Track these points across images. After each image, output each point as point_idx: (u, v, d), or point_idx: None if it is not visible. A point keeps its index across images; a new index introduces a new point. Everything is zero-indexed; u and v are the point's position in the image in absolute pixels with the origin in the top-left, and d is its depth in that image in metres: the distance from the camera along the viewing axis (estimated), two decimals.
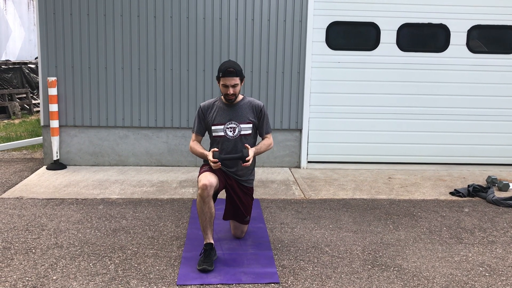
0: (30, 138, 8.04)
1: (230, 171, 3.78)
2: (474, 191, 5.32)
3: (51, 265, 3.47)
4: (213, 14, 6.10)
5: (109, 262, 3.54)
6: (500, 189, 5.54)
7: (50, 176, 5.80)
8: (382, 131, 6.63)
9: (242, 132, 3.75)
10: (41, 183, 5.51)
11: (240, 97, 3.82)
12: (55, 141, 6.09)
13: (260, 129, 3.88)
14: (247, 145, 3.64)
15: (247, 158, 3.54)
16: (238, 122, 3.74)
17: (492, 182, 5.68)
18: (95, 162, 6.33)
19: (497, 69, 6.58)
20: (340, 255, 3.72)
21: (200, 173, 3.65)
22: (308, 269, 3.47)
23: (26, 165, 6.44)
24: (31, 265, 3.47)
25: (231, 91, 3.64)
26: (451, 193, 5.41)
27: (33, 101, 12.29)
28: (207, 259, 3.42)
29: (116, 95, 6.18)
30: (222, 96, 3.79)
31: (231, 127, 3.73)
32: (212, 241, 3.53)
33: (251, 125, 3.78)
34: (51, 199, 4.96)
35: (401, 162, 6.70)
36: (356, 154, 6.66)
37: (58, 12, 5.98)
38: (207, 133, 3.91)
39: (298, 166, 6.48)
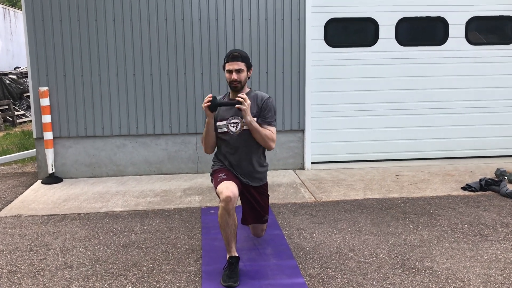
0: (19, 151, 7.72)
1: (243, 179, 3.57)
2: (486, 185, 5.23)
3: None
4: (208, 15, 5.91)
5: (125, 281, 3.32)
6: (510, 182, 5.47)
7: (47, 190, 5.53)
8: (385, 127, 6.52)
9: (246, 127, 3.47)
10: (39, 198, 5.24)
11: (247, 89, 3.58)
12: (49, 153, 5.82)
13: (263, 117, 3.50)
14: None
15: (237, 98, 3.32)
16: (242, 116, 3.45)
17: (501, 174, 5.60)
18: (92, 173, 6.08)
19: (497, 60, 6.53)
20: (367, 260, 3.57)
21: (217, 182, 3.43)
22: (337, 278, 3.30)
23: (18, 180, 6.15)
24: None
25: (235, 76, 3.41)
26: (463, 188, 5.31)
27: (16, 113, 11.90)
28: (233, 274, 3.22)
29: (111, 103, 5.94)
30: (229, 91, 3.59)
31: (234, 122, 3.50)
32: (237, 254, 3.34)
33: (255, 120, 3.49)
34: (52, 215, 4.71)
35: (406, 159, 6.59)
36: (360, 152, 6.54)
37: (47, 19, 5.71)
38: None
39: (303, 168, 6.32)
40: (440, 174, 5.97)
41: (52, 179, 5.84)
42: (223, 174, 3.48)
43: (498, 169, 5.70)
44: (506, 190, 5.03)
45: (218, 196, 3.33)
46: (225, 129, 3.51)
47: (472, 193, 5.16)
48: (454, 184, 5.51)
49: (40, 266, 3.59)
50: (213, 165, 3.70)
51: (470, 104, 6.60)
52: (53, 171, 5.89)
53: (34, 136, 5.93)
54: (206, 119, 3.48)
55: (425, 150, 6.63)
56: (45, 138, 5.80)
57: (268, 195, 3.78)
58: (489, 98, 6.61)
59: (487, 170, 6.12)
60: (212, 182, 3.64)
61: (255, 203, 3.65)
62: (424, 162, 6.54)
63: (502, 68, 6.55)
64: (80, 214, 4.73)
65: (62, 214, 4.72)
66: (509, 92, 6.62)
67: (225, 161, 3.58)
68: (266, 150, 3.64)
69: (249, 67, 3.50)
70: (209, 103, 3.34)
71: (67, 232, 4.25)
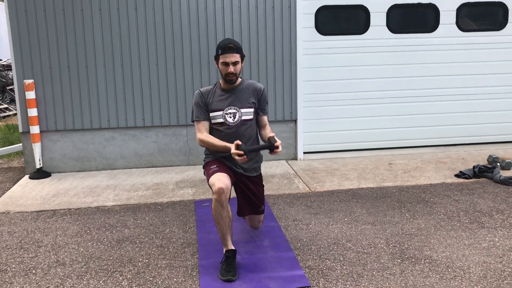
0: (4, 146, 7.54)
1: (237, 170, 3.50)
2: (480, 171, 5.23)
3: (57, 286, 3.15)
4: (197, 5, 5.78)
5: (121, 278, 3.24)
6: (503, 168, 5.48)
7: (35, 186, 5.40)
8: (377, 116, 6.48)
9: (244, 118, 3.44)
10: (27, 194, 5.11)
11: (239, 80, 3.51)
12: (36, 148, 5.67)
13: (261, 109, 3.54)
14: (271, 134, 3.29)
15: (276, 144, 3.18)
16: (238, 106, 3.43)
17: (494, 161, 5.61)
18: (81, 167, 5.95)
19: (488, 46, 6.51)
20: (365, 250, 3.53)
21: (209, 174, 3.35)
22: (336, 269, 3.26)
23: (5, 175, 6.00)
24: None
25: (231, 69, 3.32)
26: (457, 176, 5.31)
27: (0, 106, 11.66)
28: (231, 268, 3.16)
29: (99, 95, 5.80)
30: (220, 80, 3.49)
31: (231, 113, 3.43)
32: (233, 247, 3.27)
33: (252, 110, 3.47)
34: (42, 211, 4.59)
35: (397, 147, 6.57)
36: (352, 141, 6.50)
37: (30, 9, 5.54)
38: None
39: (295, 158, 6.27)
40: (432, 162, 5.96)
41: (40, 174, 5.70)
42: (215, 166, 3.40)
43: (490, 156, 5.70)
44: (500, 176, 5.03)
45: (211, 188, 3.26)
46: (222, 120, 3.43)
47: (466, 180, 5.16)
48: (447, 172, 5.51)
49: (31, 264, 3.49)
50: (205, 157, 3.62)
51: (461, 91, 6.59)
52: (41, 165, 5.75)
53: (20, 130, 5.78)
54: (227, 146, 3.26)
55: (417, 138, 6.61)
56: (31, 132, 5.65)
57: (263, 185, 3.71)
58: (480, 85, 6.60)
59: (479, 157, 6.13)
60: (204, 175, 3.56)
61: (250, 193, 3.59)
62: (416, 150, 6.53)
63: (493, 54, 6.54)
64: (70, 209, 4.63)
65: (52, 210, 4.61)
66: (499, 78, 6.61)
67: (218, 153, 3.50)
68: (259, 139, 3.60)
69: (243, 57, 3.41)
70: (244, 155, 3.10)
71: (58, 228, 4.14)
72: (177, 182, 5.41)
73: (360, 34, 6.32)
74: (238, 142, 3.14)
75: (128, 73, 5.80)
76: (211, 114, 3.46)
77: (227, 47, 3.29)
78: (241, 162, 3.17)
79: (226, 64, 3.32)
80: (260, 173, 3.69)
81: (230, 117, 3.43)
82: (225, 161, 3.47)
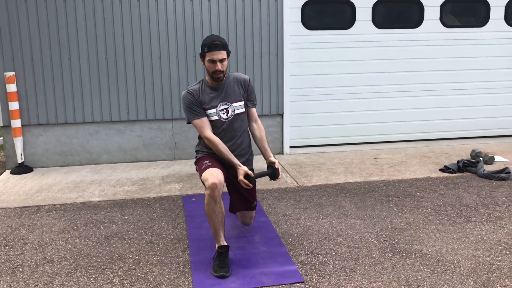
0: None
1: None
2: (464, 166, 5.31)
3: (46, 284, 3.08)
4: None
5: (111, 275, 3.19)
6: (486, 163, 5.57)
7: (17, 181, 5.28)
8: (362, 111, 6.53)
9: (236, 112, 3.42)
10: (9, 190, 4.98)
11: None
12: (18, 142, 5.54)
13: (250, 100, 3.53)
14: (272, 159, 3.45)
15: (279, 177, 3.45)
16: (230, 101, 3.40)
17: (477, 155, 5.71)
18: (64, 162, 5.84)
19: (471, 42, 6.61)
20: (356, 245, 3.55)
21: (202, 169, 3.31)
22: (329, 264, 3.27)
23: None
24: (22, 286, 3.06)
25: (219, 66, 3.26)
26: (441, 170, 5.38)
27: None
28: (224, 264, 3.14)
29: (83, 89, 5.69)
30: (206, 77, 3.43)
31: (223, 109, 3.40)
32: (226, 243, 3.25)
33: (242, 103, 3.46)
34: (26, 207, 4.49)
35: (382, 141, 6.64)
36: (338, 136, 6.54)
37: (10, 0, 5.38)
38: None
39: (282, 152, 6.26)
40: (417, 156, 6.04)
41: (22, 168, 5.57)
42: (208, 161, 3.36)
43: (473, 151, 5.80)
44: (483, 171, 5.12)
45: (204, 183, 3.23)
46: (216, 117, 3.40)
47: (451, 175, 5.23)
48: (432, 166, 5.58)
49: (18, 261, 3.40)
50: (197, 153, 3.58)
51: (444, 86, 6.68)
52: (23, 160, 5.62)
53: (1, 124, 5.62)
54: (234, 163, 3.35)
55: (401, 132, 6.68)
56: (12, 126, 5.51)
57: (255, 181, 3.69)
58: (462, 80, 6.70)
59: (462, 151, 6.23)
60: (196, 171, 3.53)
61: (243, 189, 3.56)
62: (400, 145, 6.60)
63: (475, 50, 6.64)
64: (55, 205, 4.53)
65: (36, 206, 4.51)
66: (481, 74, 6.72)
67: (210, 149, 3.47)
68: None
69: (229, 53, 3.37)
70: (251, 184, 3.29)
71: (44, 225, 4.06)
72: (164, 177, 5.35)
73: (346, 29, 6.33)
74: (248, 171, 3.25)
75: (113, 66, 5.70)
76: (207, 112, 3.40)
77: (214, 44, 3.23)
78: (245, 187, 3.30)
79: (213, 61, 3.26)
80: (252, 168, 3.67)
81: (224, 113, 3.41)
82: (217, 157, 3.44)
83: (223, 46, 3.27)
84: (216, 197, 3.12)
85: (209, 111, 3.40)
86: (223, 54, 3.27)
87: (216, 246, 3.26)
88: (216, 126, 3.41)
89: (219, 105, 3.39)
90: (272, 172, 3.41)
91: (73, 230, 3.94)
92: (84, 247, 3.61)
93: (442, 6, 6.48)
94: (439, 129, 6.77)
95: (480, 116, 6.83)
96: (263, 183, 5.02)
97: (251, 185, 3.26)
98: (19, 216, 4.26)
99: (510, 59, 6.74)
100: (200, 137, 3.54)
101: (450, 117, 6.76)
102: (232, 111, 3.41)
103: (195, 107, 3.38)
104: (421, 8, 6.44)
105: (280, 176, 3.44)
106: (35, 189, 4.98)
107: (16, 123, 5.50)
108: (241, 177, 3.24)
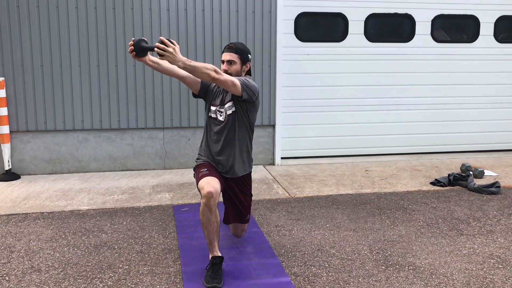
0: None
1: (225, 175, 3.44)
2: (455, 179, 5.33)
3: None
4: (177, 5, 5.70)
5: (101, 285, 3.12)
6: (476, 176, 5.61)
7: (4, 188, 5.17)
8: (353, 123, 6.55)
9: (228, 112, 3.36)
10: None
11: None
12: (5, 148, 5.45)
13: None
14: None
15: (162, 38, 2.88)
16: (223, 104, 3.38)
17: (467, 169, 5.74)
18: (53, 169, 5.75)
19: (461, 58, 6.69)
20: (349, 257, 3.53)
21: (199, 177, 3.28)
22: (322, 275, 3.24)
23: None
24: None
25: (225, 67, 3.31)
26: (432, 183, 5.40)
27: None
28: (216, 275, 3.09)
29: (73, 96, 5.63)
30: None
31: (220, 111, 3.39)
32: (220, 254, 3.21)
33: (231, 103, 3.36)
34: (12, 214, 4.39)
35: (373, 154, 6.66)
36: (329, 147, 6.54)
37: (2, 4, 5.33)
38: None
39: (273, 163, 6.24)
40: (407, 169, 6.06)
41: (9, 176, 5.47)
42: (205, 169, 3.33)
43: (463, 164, 5.83)
44: (474, 184, 5.14)
45: (200, 191, 3.19)
46: (214, 115, 3.40)
47: (442, 188, 5.25)
48: (422, 179, 5.60)
49: (4, 270, 3.32)
50: (197, 159, 3.56)
51: (435, 100, 6.74)
52: (10, 167, 5.52)
53: None
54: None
55: (392, 145, 6.71)
56: (0, 132, 5.42)
57: (251, 195, 3.66)
58: (452, 95, 6.77)
59: (452, 165, 6.27)
60: (194, 177, 3.49)
61: (238, 202, 3.53)
62: (391, 158, 6.62)
63: (465, 66, 6.72)
64: (43, 213, 4.45)
65: (23, 214, 4.42)
66: (471, 89, 6.80)
67: (208, 151, 3.44)
68: (251, 142, 3.52)
69: (244, 60, 3.35)
70: (133, 50, 2.95)
71: (31, 233, 3.97)
72: (154, 186, 5.29)
73: (338, 41, 6.37)
74: (164, 40, 2.86)
75: (104, 73, 5.65)
76: (210, 108, 3.43)
77: (228, 46, 3.36)
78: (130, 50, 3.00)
79: (222, 62, 3.36)
80: (250, 182, 3.62)
81: (220, 115, 3.38)
82: (216, 165, 3.41)
83: (236, 49, 3.32)
84: (211, 206, 3.08)
85: (211, 107, 3.42)
86: (232, 56, 3.31)
87: (210, 256, 3.21)
88: (212, 122, 3.41)
89: (218, 106, 3.38)
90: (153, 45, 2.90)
91: (61, 239, 3.86)
92: (73, 256, 3.54)
93: (433, 21, 6.56)
94: (429, 142, 6.81)
95: (470, 130, 6.89)
96: (254, 194, 4.99)
97: (131, 47, 2.95)
98: (6, 224, 4.17)
99: (499, 74, 6.84)
100: (201, 141, 3.54)
101: (440, 131, 6.81)
102: (225, 112, 3.35)
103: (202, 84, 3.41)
104: (412, 23, 6.51)
105: (162, 43, 2.85)
106: (22, 197, 4.88)
107: (4, 129, 5.41)
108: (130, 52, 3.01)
